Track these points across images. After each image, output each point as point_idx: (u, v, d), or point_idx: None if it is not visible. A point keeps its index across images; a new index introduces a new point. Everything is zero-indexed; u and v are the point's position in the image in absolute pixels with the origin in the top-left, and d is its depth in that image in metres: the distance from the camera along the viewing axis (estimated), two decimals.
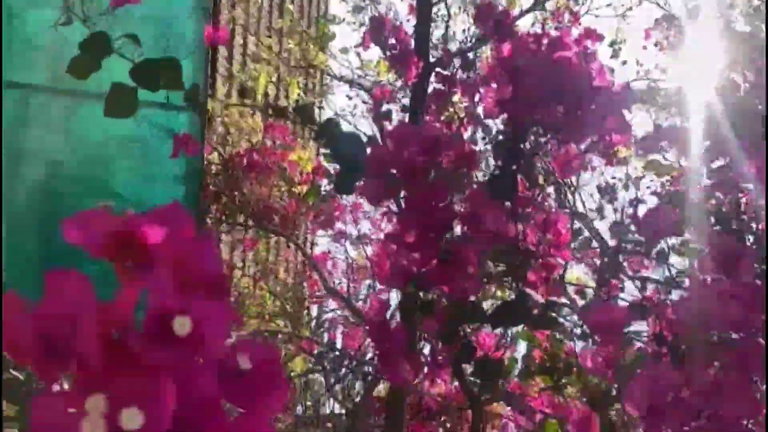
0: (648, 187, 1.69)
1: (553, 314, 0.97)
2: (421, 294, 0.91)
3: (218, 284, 0.29)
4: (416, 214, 0.72)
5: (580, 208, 1.30)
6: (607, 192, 1.44)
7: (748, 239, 0.89)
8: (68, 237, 0.27)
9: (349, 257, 2.93)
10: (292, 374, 2.69)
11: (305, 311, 3.42)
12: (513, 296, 0.94)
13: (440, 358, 0.91)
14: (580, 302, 1.56)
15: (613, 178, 1.63)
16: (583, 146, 0.83)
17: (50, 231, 1.67)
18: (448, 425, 2.46)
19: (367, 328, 0.99)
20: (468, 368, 1.13)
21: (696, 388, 0.59)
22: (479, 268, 0.84)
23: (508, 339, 1.53)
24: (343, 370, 2.66)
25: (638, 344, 0.84)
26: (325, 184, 3.00)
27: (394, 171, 0.77)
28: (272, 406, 0.26)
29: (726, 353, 0.66)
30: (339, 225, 3.01)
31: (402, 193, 0.77)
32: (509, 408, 2.48)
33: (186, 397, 0.22)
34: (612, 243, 1.18)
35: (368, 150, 0.88)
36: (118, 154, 1.86)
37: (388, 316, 1.07)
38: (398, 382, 0.83)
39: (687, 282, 1.14)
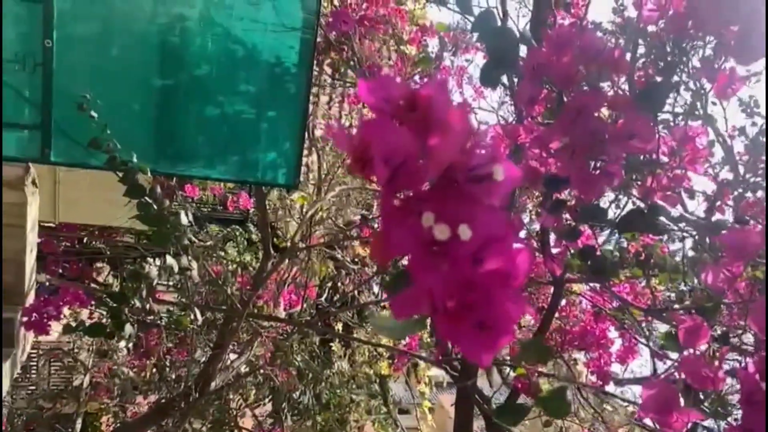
0: None
1: (671, 224, 1.01)
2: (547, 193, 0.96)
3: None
4: (573, 120, 0.74)
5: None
6: (750, 107, 1.36)
7: None
8: (365, 99, 0.34)
9: None
10: None
11: None
12: (638, 204, 0.97)
13: (557, 252, 0.98)
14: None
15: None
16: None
17: (182, 60, 1.83)
18: (525, 295, 2.61)
19: None
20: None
21: None
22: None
23: (609, 234, 1.57)
24: None
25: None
26: (433, 46, 2.94)
27: (550, 75, 0.78)
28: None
29: None
30: None
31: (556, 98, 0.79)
32: (586, 287, 2.58)
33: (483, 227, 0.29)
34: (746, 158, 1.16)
35: (519, 47, 0.89)
36: (238, 2, 1.96)
37: None
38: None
39: None
